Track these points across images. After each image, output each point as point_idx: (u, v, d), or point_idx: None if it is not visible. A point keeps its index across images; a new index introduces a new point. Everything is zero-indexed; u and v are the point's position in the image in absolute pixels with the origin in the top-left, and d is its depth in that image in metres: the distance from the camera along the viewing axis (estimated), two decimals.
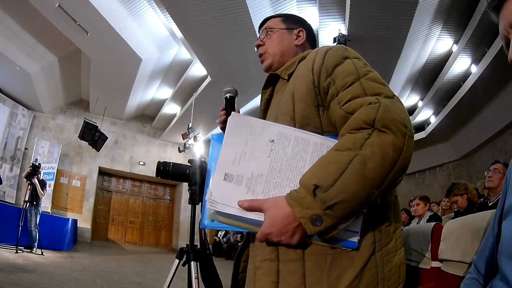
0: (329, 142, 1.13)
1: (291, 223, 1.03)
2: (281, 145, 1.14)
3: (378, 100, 1.05)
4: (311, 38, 1.65)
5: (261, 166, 1.13)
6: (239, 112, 1.69)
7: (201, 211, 1.21)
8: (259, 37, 1.67)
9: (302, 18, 1.70)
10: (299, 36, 1.60)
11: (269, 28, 1.62)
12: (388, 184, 1.00)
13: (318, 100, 1.22)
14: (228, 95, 1.76)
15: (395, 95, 1.11)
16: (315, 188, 0.99)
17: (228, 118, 1.20)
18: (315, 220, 0.99)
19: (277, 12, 9.10)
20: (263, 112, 1.50)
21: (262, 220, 1.07)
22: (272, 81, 1.48)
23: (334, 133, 1.19)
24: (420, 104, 14.36)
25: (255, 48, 1.67)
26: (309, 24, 1.68)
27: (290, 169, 1.12)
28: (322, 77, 1.21)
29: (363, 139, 1.00)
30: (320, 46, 1.53)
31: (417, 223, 5.73)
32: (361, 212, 1.04)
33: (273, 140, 1.14)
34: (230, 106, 1.75)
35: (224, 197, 1.10)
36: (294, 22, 1.64)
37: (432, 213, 5.79)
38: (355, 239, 1.09)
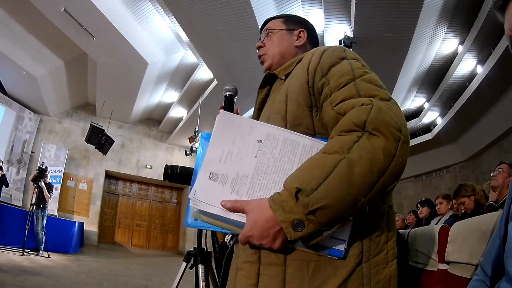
0: (320, 145, 1.09)
1: (272, 227, 1.00)
2: (269, 146, 1.11)
3: (371, 101, 1.01)
4: (313, 39, 1.62)
5: (247, 167, 1.10)
6: (237, 111, 1.68)
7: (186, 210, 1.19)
8: (259, 38, 1.65)
9: (304, 19, 1.67)
10: (300, 37, 1.57)
11: (269, 29, 1.60)
12: (377, 191, 0.95)
13: (312, 101, 1.19)
14: (228, 93, 1.75)
15: (391, 98, 1.07)
16: (297, 191, 0.95)
17: (217, 116, 1.17)
18: (296, 225, 0.95)
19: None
20: (257, 112, 1.47)
21: (245, 221, 1.04)
22: (269, 81, 1.47)
23: (326, 135, 1.13)
24: (426, 105, 14.28)
25: (257, 49, 1.64)
26: (311, 25, 1.65)
27: (276, 170, 1.09)
28: (317, 77, 1.17)
29: (352, 142, 0.96)
30: (319, 45, 1.52)
31: (437, 223, 5.71)
32: (347, 219, 1.00)
33: (261, 141, 1.12)
34: (228, 104, 1.75)
35: (207, 196, 1.07)
36: (294, 23, 1.61)
37: (453, 212, 5.76)
38: (342, 247, 1.05)
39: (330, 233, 1.00)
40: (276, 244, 1.02)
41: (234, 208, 1.05)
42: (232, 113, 1.24)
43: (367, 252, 1.08)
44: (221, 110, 1.22)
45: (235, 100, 1.76)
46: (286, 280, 1.07)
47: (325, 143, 1.06)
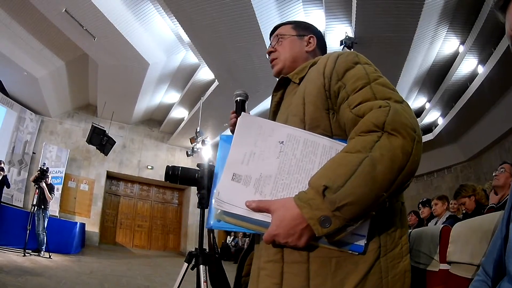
0: (338, 146, 1.13)
1: (299, 225, 1.02)
2: (290, 147, 1.13)
3: (388, 104, 1.07)
4: (322, 45, 1.69)
5: (269, 167, 1.12)
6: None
7: (207, 211, 1.20)
8: (270, 44, 1.70)
9: (313, 25, 1.73)
10: (310, 43, 1.63)
11: (280, 35, 1.65)
12: (397, 187, 1.00)
13: (328, 103, 1.23)
14: (238, 98, 1.79)
15: (404, 101, 1.13)
16: (324, 189, 0.99)
17: (238, 118, 1.20)
18: (323, 222, 0.98)
19: (284, 16, 9.16)
20: (273, 114, 1.51)
21: (269, 221, 1.07)
22: (283, 84, 1.50)
23: (343, 136, 1.19)
24: (427, 105, 14.30)
25: (267, 55, 1.69)
26: (319, 31, 1.72)
27: (298, 171, 1.11)
28: (333, 81, 1.22)
29: (373, 142, 1.01)
30: (327, 49, 1.55)
31: (435, 224, 5.70)
32: (369, 215, 1.03)
33: (282, 142, 1.14)
34: (240, 109, 1.77)
35: (231, 197, 1.09)
36: (304, 28, 1.67)
37: (451, 213, 5.76)
38: (362, 243, 1.08)
39: (353, 229, 1.04)
40: (301, 242, 1.05)
41: (259, 208, 1.08)
42: (253, 116, 1.27)
43: (384, 247, 1.12)
44: (243, 113, 1.25)
45: (246, 105, 1.79)
46: (310, 277, 1.10)
47: (343, 144, 1.12)
